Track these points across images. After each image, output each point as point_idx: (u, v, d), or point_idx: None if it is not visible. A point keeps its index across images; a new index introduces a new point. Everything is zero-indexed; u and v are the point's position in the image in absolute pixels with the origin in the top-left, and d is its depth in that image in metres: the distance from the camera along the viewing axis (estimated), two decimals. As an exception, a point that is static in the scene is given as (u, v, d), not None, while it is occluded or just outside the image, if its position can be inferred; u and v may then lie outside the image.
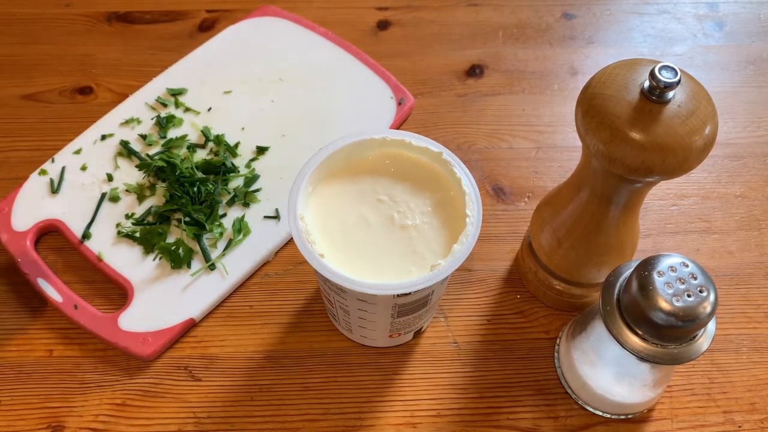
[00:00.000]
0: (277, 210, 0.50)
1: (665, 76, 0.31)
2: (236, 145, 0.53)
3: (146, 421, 0.42)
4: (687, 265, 0.34)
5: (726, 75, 0.61)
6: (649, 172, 0.33)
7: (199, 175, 0.50)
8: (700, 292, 0.33)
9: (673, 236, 0.51)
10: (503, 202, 0.53)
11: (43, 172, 0.51)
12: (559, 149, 0.55)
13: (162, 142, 0.53)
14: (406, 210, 0.39)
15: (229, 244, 0.48)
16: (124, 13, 0.63)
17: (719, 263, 0.50)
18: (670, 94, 0.32)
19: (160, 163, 0.50)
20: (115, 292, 0.47)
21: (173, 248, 0.47)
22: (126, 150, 0.53)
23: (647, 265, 0.34)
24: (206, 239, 0.48)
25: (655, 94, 0.32)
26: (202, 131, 0.54)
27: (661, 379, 0.40)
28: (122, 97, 0.56)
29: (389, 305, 0.38)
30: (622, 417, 0.43)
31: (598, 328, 0.39)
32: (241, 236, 0.48)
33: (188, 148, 0.53)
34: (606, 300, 0.36)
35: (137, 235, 0.48)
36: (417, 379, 0.44)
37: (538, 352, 0.46)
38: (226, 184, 0.51)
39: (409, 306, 0.39)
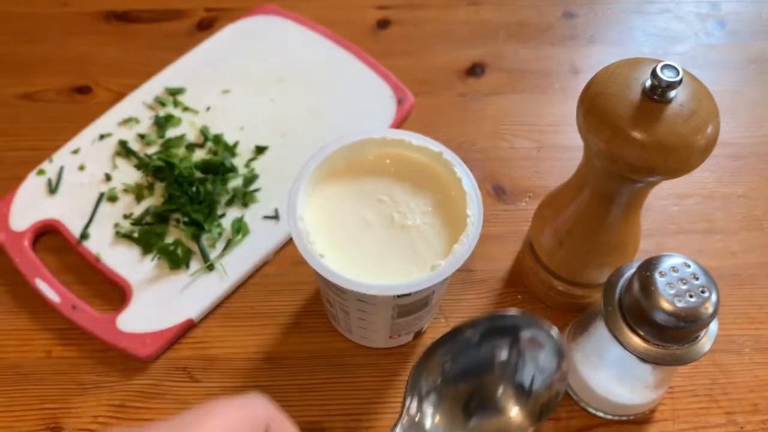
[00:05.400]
0: (276, 210, 0.50)
1: (667, 75, 0.31)
2: (235, 145, 0.53)
3: (145, 422, 0.42)
4: (689, 266, 0.33)
5: (728, 74, 0.61)
6: (651, 171, 0.32)
7: (198, 174, 0.50)
8: (702, 292, 0.33)
9: (675, 236, 0.51)
10: (504, 202, 0.52)
11: (41, 172, 0.51)
12: (561, 149, 0.55)
13: (160, 141, 0.53)
14: (406, 210, 0.39)
15: (228, 245, 0.48)
16: (123, 12, 0.63)
17: (721, 263, 0.49)
18: (672, 93, 0.32)
19: (159, 163, 0.50)
20: (114, 293, 0.47)
21: (172, 248, 0.47)
22: (124, 149, 0.52)
23: (649, 266, 0.34)
24: (205, 239, 0.48)
25: (657, 93, 0.32)
26: (200, 131, 0.53)
27: (663, 380, 0.40)
28: (120, 96, 0.56)
29: (389, 306, 0.38)
30: (624, 418, 0.43)
31: (599, 329, 0.39)
32: (240, 236, 0.48)
33: (187, 147, 0.53)
34: (607, 300, 0.36)
35: (136, 235, 0.48)
36: (417, 380, 0.44)
37: (539, 353, 0.45)
38: (225, 184, 0.50)
39: (410, 307, 0.38)
